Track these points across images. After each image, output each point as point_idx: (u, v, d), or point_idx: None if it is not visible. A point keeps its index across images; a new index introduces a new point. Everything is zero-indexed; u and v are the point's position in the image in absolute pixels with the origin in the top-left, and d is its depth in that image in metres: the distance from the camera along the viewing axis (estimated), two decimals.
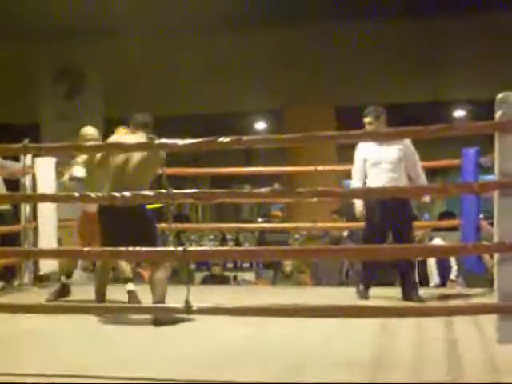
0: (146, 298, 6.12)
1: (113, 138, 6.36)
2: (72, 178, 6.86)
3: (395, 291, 6.96)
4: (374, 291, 7.04)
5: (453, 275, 8.52)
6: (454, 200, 7.96)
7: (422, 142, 6.91)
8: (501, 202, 4.77)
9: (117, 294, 6.61)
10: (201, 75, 13.74)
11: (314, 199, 5.04)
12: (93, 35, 13.21)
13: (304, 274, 9.73)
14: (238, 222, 19.76)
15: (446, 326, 5.48)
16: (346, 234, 9.85)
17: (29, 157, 8.08)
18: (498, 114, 4.83)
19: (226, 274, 11.25)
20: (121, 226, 5.98)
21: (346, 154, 8.26)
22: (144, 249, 5.11)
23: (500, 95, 4.85)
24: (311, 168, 8.79)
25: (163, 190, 5.01)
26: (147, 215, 6.14)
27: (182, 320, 5.67)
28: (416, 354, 4.84)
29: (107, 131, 6.98)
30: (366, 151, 6.90)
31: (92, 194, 5.16)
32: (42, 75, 14.69)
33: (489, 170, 7.10)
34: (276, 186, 12.85)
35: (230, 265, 12.23)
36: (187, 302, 4.60)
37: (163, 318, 5.72)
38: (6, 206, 8.30)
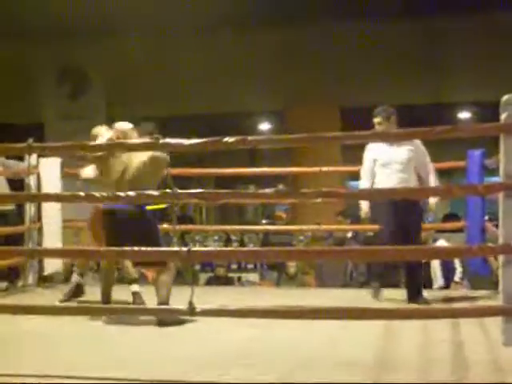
0: (150, 299, 6.12)
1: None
2: (81, 179, 6.88)
3: (400, 293, 6.94)
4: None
5: (457, 277, 8.50)
6: (457, 202, 7.94)
7: (427, 144, 6.91)
8: (506, 204, 4.75)
9: (122, 294, 6.61)
10: (204, 75, 13.74)
11: (319, 200, 5.03)
12: (96, 35, 13.23)
13: (308, 276, 9.72)
14: (242, 223, 19.75)
15: (452, 328, 5.46)
16: (350, 235, 9.85)
17: (34, 157, 8.07)
18: (503, 116, 4.82)
19: (231, 275, 11.25)
20: (122, 230, 5.98)
21: (350, 154, 8.25)
22: (149, 249, 5.11)
23: (505, 97, 4.83)
24: (316, 169, 8.78)
25: (168, 190, 5.00)
26: (148, 217, 6.14)
27: (186, 321, 5.66)
28: (421, 356, 4.83)
29: None
30: (375, 152, 6.87)
31: (97, 194, 5.14)
32: (45, 75, 14.72)
33: (494, 171, 7.09)
34: (280, 186, 12.80)
35: (234, 266, 12.22)
36: (191, 303, 4.58)
37: (167, 319, 5.71)
38: (10, 206, 8.28)
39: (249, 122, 18.37)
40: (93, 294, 6.85)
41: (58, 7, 11.89)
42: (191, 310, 4.59)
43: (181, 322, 5.67)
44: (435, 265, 8.59)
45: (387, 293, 7.01)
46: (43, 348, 5.17)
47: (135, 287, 6.80)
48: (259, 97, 14.85)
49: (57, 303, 6.52)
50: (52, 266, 8.45)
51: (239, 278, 11.78)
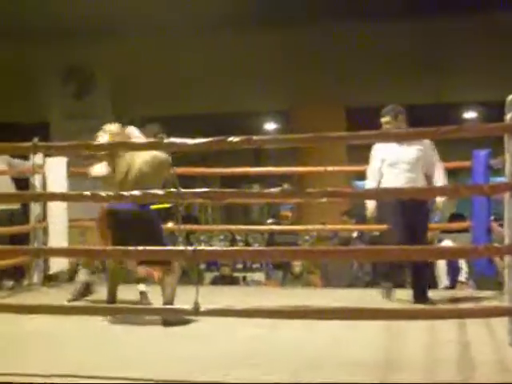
0: (157, 298, 6.13)
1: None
2: (91, 177, 6.89)
3: (405, 293, 6.92)
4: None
5: (463, 277, 8.48)
6: (463, 202, 7.93)
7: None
8: (511, 204, 4.74)
9: (128, 294, 6.62)
10: (209, 75, 13.73)
11: (324, 200, 5.02)
12: (101, 35, 13.22)
13: (313, 275, 9.71)
14: (247, 222, 19.75)
15: (458, 329, 5.45)
16: (355, 235, 9.84)
17: (40, 156, 8.07)
18: (508, 116, 4.81)
19: (236, 274, 11.25)
20: (126, 230, 5.99)
21: (356, 154, 8.24)
22: (154, 248, 5.11)
23: (510, 97, 4.82)
24: (321, 168, 8.77)
25: (173, 190, 4.99)
26: (151, 217, 6.14)
27: (192, 321, 5.66)
28: (427, 356, 4.83)
29: None
30: (383, 151, 6.85)
31: (102, 193, 5.14)
32: (50, 75, 14.72)
33: (499, 171, 7.08)
34: (285, 186, 12.80)
35: (239, 265, 12.23)
36: (196, 303, 4.58)
37: (172, 318, 5.71)
38: (15, 206, 8.29)
39: (254, 121, 18.37)
40: (98, 293, 6.86)
41: (63, 7, 11.90)
42: (196, 310, 4.59)
43: (186, 322, 5.67)
44: (441, 265, 8.57)
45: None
46: (48, 347, 5.18)
47: (142, 287, 6.80)
48: (265, 97, 14.84)
49: (65, 303, 6.51)
50: (57, 265, 8.45)
51: (244, 278, 11.77)
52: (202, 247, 10.65)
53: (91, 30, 12.90)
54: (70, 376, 4.31)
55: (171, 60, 13.82)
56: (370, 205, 6.99)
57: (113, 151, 6.25)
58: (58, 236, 8.31)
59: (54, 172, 8.34)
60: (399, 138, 6.37)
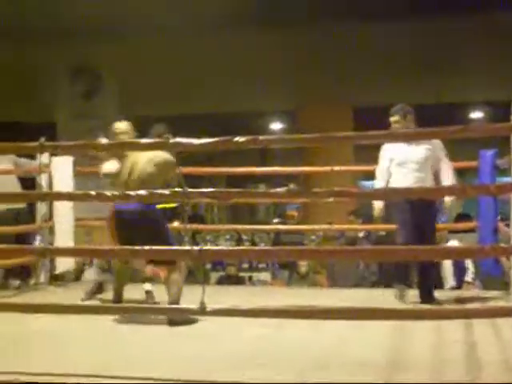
0: (163, 298, 6.13)
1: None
2: (102, 174, 6.90)
3: (412, 293, 6.91)
4: (390, 293, 7.00)
5: (469, 277, 8.46)
6: (469, 202, 7.91)
7: None
8: None
9: (134, 293, 6.62)
10: (216, 75, 13.75)
11: (331, 199, 5.01)
12: (109, 35, 13.25)
13: (320, 275, 9.71)
14: (253, 222, 19.75)
15: (464, 329, 5.44)
16: (362, 234, 9.84)
17: (46, 155, 8.08)
18: None
19: (242, 274, 11.24)
20: (131, 230, 6.00)
21: (362, 154, 8.24)
22: (161, 248, 5.11)
23: None
24: (327, 168, 8.76)
25: (179, 189, 4.99)
26: (156, 217, 6.14)
27: (198, 320, 5.66)
28: (434, 356, 4.82)
29: None
30: (392, 151, 6.83)
31: (108, 193, 5.14)
32: (58, 75, 14.75)
33: (506, 171, 7.07)
34: (291, 185, 12.80)
35: (245, 265, 12.22)
36: (202, 303, 4.57)
37: (178, 318, 5.71)
38: (21, 205, 8.30)
39: (260, 121, 18.37)
40: (106, 292, 6.87)
41: (71, 8, 11.93)
42: (202, 310, 4.58)
43: (191, 322, 5.67)
44: (447, 265, 8.56)
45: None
46: (54, 346, 5.19)
47: (148, 286, 6.81)
48: (270, 96, 14.84)
49: (80, 302, 6.50)
50: (64, 264, 8.47)
51: (250, 278, 11.77)
52: (208, 247, 10.66)
53: (99, 30, 12.93)
54: (74, 375, 4.31)
55: (178, 60, 13.83)
56: (377, 204, 6.98)
57: (118, 151, 6.27)
58: (64, 235, 8.33)
59: (60, 171, 8.35)
60: (406, 138, 6.35)
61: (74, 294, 6.97)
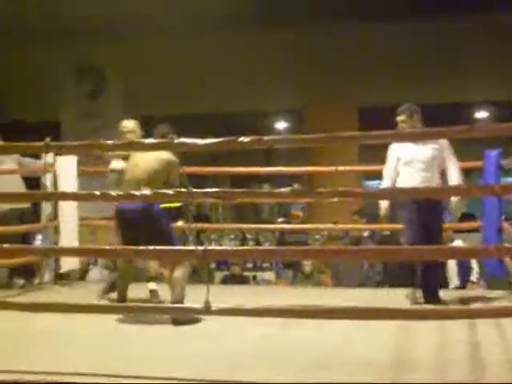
0: (167, 297, 6.14)
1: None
2: (112, 171, 6.91)
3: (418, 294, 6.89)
4: (394, 292, 7.00)
5: (474, 277, 8.46)
6: (473, 202, 7.91)
7: None
8: None
9: (139, 292, 6.63)
10: (222, 74, 13.76)
11: (335, 199, 5.01)
12: (113, 35, 13.26)
13: (324, 275, 9.71)
14: (257, 221, 19.74)
15: (468, 329, 5.44)
16: (366, 234, 9.83)
17: (50, 155, 8.09)
18: None
19: (246, 273, 11.24)
20: (133, 229, 6.01)
21: (367, 154, 8.23)
22: (165, 247, 5.12)
23: None
24: (331, 168, 8.76)
25: (183, 189, 5.00)
26: (159, 216, 6.13)
27: (202, 320, 5.66)
28: (438, 356, 4.82)
29: None
30: (399, 150, 6.84)
31: (112, 193, 5.15)
32: (62, 75, 14.76)
33: (510, 172, 7.07)
34: (296, 185, 12.81)
35: (249, 264, 12.23)
36: (207, 302, 4.58)
37: (182, 317, 5.72)
38: (25, 204, 8.31)
39: (266, 120, 18.37)
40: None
41: (79, 8, 11.94)
42: (207, 309, 4.59)
43: (195, 321, 5.67)
44: (451, 265, 8.55)
45: (404, 292, 6.94)
46: (57, 345, 5.21)
47: (153, 285, 6.81)
48: (279, 96, 14.82)
49: (95, 302, 6.49)
50: (69, 263, 8.48)
51: (254, 277, 11.77)
52: (213, 247, 10.67)
53: (103, 30, 12.95)
54: (77, 374, 4.32)
55: (182, 60, 13.85)
56: (383, 204, 6.98)
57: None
58: (69, 235, 8.34)
59: (65, 171, 8.36)
60: (411, 138, 6.35)
61: (78, 294, 6.98)
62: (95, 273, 9.66)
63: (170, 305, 5.89)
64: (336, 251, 5.62)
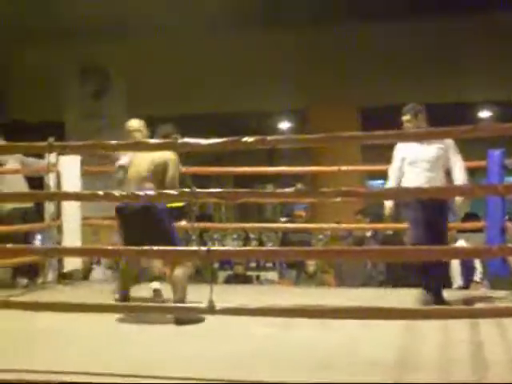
0: (170, 297, 6.14)
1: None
2: (119, 167, 6.92)
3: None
4: (398, 292, 7.00)
5: (477, 277, 8.45)
6: (477, 201, 7.90)
7: None
8: None
9: (142, 291, 6.63)
10: (223, 74, 13.77)
11: (338, 199, 5.01)
12: (117, 35, 13.27)
13: (327, 275, 9.70)
14: (261, 221, 19.73)
15: (470, 329, 5.44)
16: (369, 234, 9.83)
17: (53, 154, 8.10)
18: None
19: (249, 273, 11.25)
20: (133, 228, 6.01)
21: (370, 154, 8.23)
22: (168, 248, 5.12)
23: None
24: (334, 168, 8.77)
25: (187, 189, 5.00)
26: (159, 215, 6.12)
27: (205, 319, 5.66)
28: (441, 356, 4.83)
29: None
30: (404, 150, 6.84)
31: (115, 192, 5.16)
32: (66, 75, 14.78)
33: None
34: (299, 185, 12.81)
35: (252, 264, 12.23)
36: (211, 301, 4.58)
37: (185, 317, 5.71)
38: (28, 204, 8.32)
39: (269, 121, 18.37)
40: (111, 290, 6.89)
41: (78, 8, 11.95)
42: (211, 308, 4.59)
43: (198, 321, 5.67)
44: (455, 264, 8.54)
45: (408, 292, 6.94)
46: (59, 345, 5.22)
47: (156, 284, 6.81)
48: (282, 96, 14.81)
49: (112, 302, 6.48)
50: (72, 263, 8.49)
51: (258, 277, 11.77)
52: (216, 247, 10.67)
53: (107, 30, 12.95)
54: (77, 374, 4.33)
55: (186, 60, 13.85)
56: (388, 204, 6.98)
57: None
58: (72, 234, 8.35)
59: (68, 170, 8.37)
60: (415, 138, 6.34)
61: (81, 293, 6.98)
62: (98, 272, 9.67)
63: (174, 304, 5.88)
64: (339, 251, 5.62)
